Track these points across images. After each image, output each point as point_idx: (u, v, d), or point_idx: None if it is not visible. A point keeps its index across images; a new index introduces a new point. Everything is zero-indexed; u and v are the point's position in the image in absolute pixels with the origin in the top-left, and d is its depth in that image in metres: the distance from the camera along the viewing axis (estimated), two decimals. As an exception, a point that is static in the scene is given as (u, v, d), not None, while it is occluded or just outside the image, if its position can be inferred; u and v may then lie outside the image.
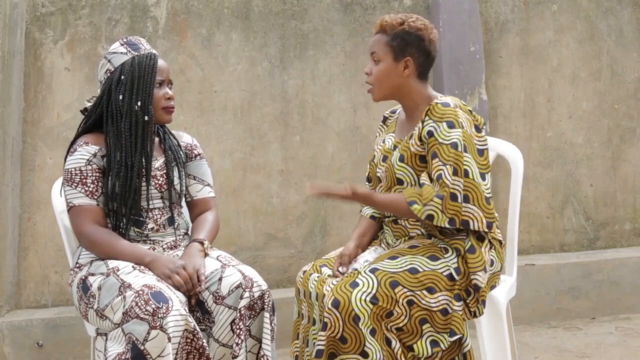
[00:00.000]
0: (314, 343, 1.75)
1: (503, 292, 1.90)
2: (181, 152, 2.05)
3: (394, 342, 1.65)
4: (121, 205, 1.86)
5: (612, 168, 3.61)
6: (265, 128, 3.31)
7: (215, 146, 3.24)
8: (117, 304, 1.66)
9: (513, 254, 2.10)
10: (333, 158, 3.36)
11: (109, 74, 1.89)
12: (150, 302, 1.60)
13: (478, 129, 1.85)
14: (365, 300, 1.63)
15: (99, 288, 1.73)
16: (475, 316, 1.76)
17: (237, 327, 1.77)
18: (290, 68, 3.36)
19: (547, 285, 3.19)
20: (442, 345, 1.68)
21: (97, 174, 1.86)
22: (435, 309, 1.69)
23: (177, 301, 1.64)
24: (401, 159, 1.86)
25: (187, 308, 1.69)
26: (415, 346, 1.67)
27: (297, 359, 1.93)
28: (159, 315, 1.58)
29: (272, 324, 1.84)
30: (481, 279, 1.74)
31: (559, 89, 3.59)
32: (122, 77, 1.86)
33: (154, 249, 1.90)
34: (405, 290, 1.67)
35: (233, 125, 3.28)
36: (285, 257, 3.28)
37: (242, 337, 1.76)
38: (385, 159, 1.94)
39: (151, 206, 1.91)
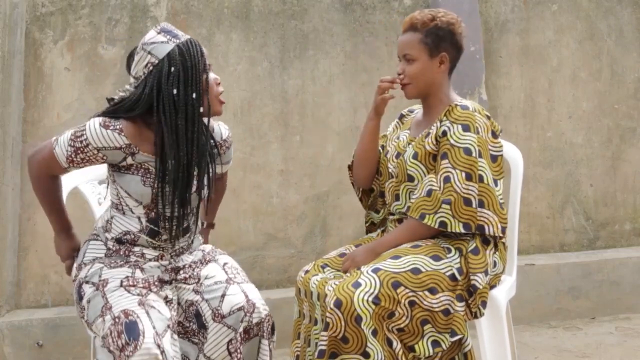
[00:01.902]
0: (316, 343, 1.75)
1: (503, 292, 1.90)
2: (214, 151, 1.87)
3: (395, 343, 1.65)
4: (173, 207, 1.72)
5: (612, 168, 3.61)
6: (265, 128, 3.31)
7: (215, 146, 3.24)
8: (99, 325, 1.63)
9: (513, 254, 2.10)
10: (333, 158, 3.36)
11: (151, 67, 1.68)
12: (122, 335, 1.54)
13: (495, 134, 1.86)
14: (367, 300, 1.62)
15: (88, 301, 1.69)
16: (476, 317, 1.76)
17: (235, 348, 1.75)
18: (290, 68, 3.35)
19: (547, 285, 3.19)
20: (443, 345, 1.68)
21: (94, 160, 1.69)
22: (437, 309, 1.69)
23: (150, 335, 1.55)
24: (415, 157, 1.87)
25: (164, 338, 1.59)
26: (416, 346, 1.67)
27: (298, 359, 1.93)
28: (126, 353, 1.53)
29: (271, 346, 1.80)
30: (480, 280, 1.74)
31: (559, 89, 3.59)
32: (172, 68, 1.66)
33: (162, 255, 1.79)
34: (407, 291, 1.67)
35: (233, 125, 3.28)
36: (285, 257, 3.28)
37: (240, 358, 1.75)
38: (398, 155, 1.95)
39: (168, 214, 1.75)
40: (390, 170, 1.97)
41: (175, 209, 1.72)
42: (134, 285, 1.69)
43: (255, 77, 3.32)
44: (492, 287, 1.85)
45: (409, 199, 1.89)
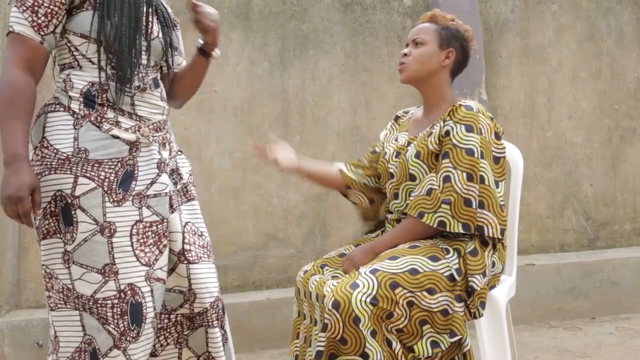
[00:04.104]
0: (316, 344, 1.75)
1: (503, 292, 1.90)
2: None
3: (394, 343, 1.65)
4: (123, 44, 1.53)
5: (612, 168, 3.61)
6: (265, 128, 3.31)
7: (215, 146, 3.24)
8: (91, 279, 1.48)
9: (513, 254, 2.10)
10: (333, 158, 3.36)
11: None
12: (126, 317, 1.48)
13: (498, 136, 1.86)
14: (365, 301, 1.62)
15: (85, 240, 1.50)
16: (475, 317, 1.76)
17: (164, 325, 1.64)
18: (290, 68, 3.36)
19: (547, 285, 3.19)
20: (442, 346, 1.68)
21: (55, 7, 1.50)
22: (435, 309, 1.69)
23: (151, 319, 1.52)
24: (417, 156, 1.87)
25: (157, 309, 1.55)
26: (415, 347, 1.67)
27: (297, 359, 1.93)
28: (127, 338, 1.49)
29: (221, 335, 1.68)
30: (478, 282, 1.74)
31: (559, 89, 3.59)
32: None
33: (139, 127, 1.57)
34: (405, 291, 1.67)
35: (233, 125, 3.28)
36: (285, 257, 3.28)
37: (169, 341, 1.65)
38: (398, 155, 1.95)
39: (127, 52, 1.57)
40: (390, 170, 1.97)
41: (132, 37, 1.56)
42: (144, 241, 1.53)
43: (255, 77, 3.32)
44: (491, 287, 1.84)
45: (408, 197, 1.89)
